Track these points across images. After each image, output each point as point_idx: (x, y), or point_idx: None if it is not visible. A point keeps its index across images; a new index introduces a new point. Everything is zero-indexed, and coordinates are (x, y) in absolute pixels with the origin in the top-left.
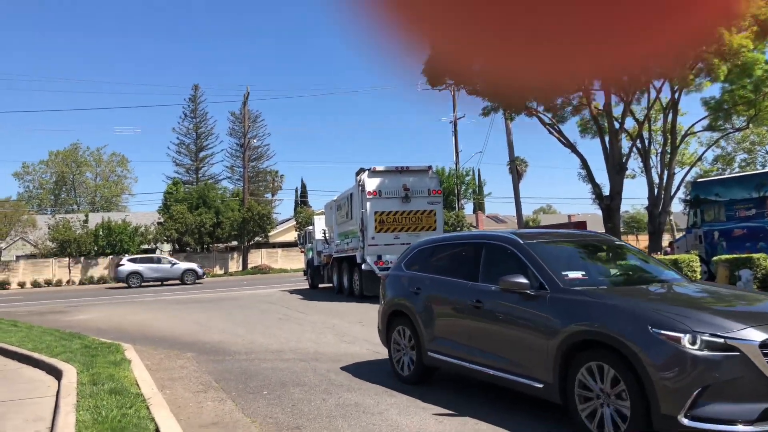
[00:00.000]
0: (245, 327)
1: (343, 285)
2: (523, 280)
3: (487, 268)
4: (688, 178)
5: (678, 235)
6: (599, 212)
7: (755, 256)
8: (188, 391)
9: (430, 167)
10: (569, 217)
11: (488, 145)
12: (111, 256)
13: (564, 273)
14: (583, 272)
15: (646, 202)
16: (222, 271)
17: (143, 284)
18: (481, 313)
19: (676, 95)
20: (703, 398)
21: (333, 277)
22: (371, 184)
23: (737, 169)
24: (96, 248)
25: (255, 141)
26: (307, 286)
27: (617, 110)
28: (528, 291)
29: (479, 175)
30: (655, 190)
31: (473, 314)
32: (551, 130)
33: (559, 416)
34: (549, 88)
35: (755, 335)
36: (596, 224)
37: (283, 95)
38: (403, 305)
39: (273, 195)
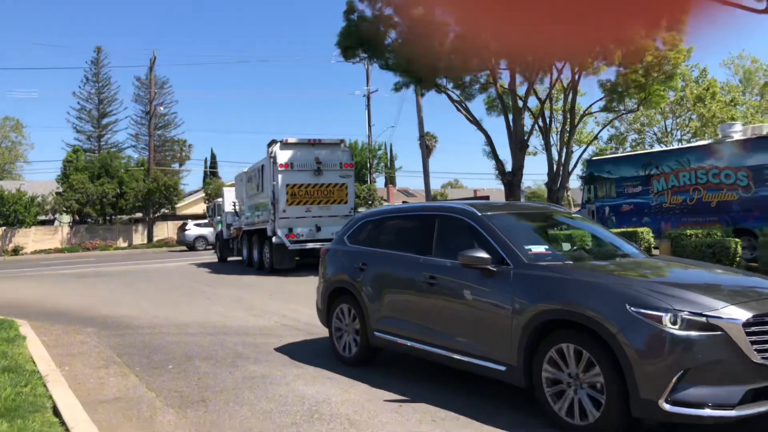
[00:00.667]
0: (150, 301)
1: (253, 258)
2: (484, 254)
3: (441, 242)
4: (585, 156)
5: (575, 210)
6: (502, 187)
7: (640, 230)
8: (89, 367)
9: (342, 141)
10: (475, 191)
11: (400, 120)
12: (3, 227)
13: (527, 247)
14: (546, 246)
15: (546, 178)
16: (126, 244)
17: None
18: (435, 291)
19: (576, 77)
20: (684, 381)
21: (243, 251)
22: (283, 156)
23: (628, 149)
24: None
25: (162, 108)
26: (216, 260)
27: (521, 90)
28: (489, 267)
29: (391, 149)
30: (554, 167)
31: (426, 291)
32: (459, 107)
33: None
34: (458, 66)
35: (739, 313)
36: (500, 198)
37: (193, 62)
38: (346, 282)
39: (181, 165)
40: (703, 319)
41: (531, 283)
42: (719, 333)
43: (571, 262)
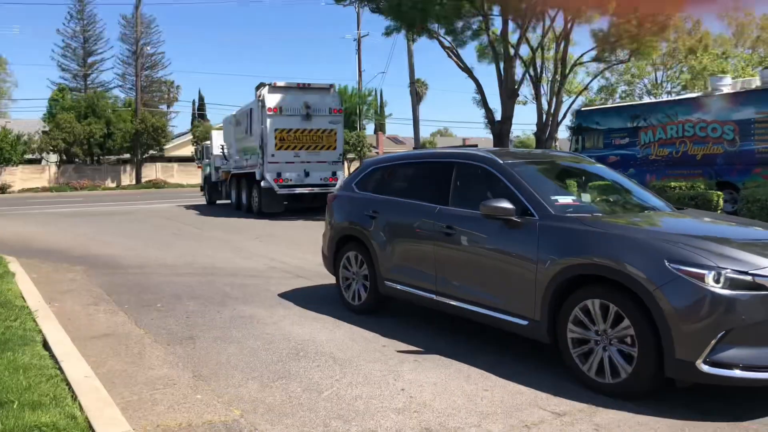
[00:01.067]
0: (139, 241)
1: (242, 202)
2: (507, 205)
3: (459, 191)
4: (575, 106)
5: None
6: (492, 137)
7: None
8: (78, 304)
9: (332, 86)
10: (464, 140)
11: (391, 66)
12: None
13: (553, 198)
14: (574, 197)
15: (534, 128)
16: (114, 185)
17: None
18: (452, 241)
19: (569, 25)
20: (725, 342)
21: (231, 194)
22: (272, 100)
23: (618, 100)
24: None
25: (149, 48)
26: (204, 202)
27: (514, 37)
28: (513, 217)
29: (381, 96)
30: (544, 117)
31: (442, 241)
32: (450, 53)
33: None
34: (450, 11)
35: None
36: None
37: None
38: (356, 230)
39: (168, 107)
40: (749, 278)
41: (559, 236)
42: (765, 292)
43: (600, 214)
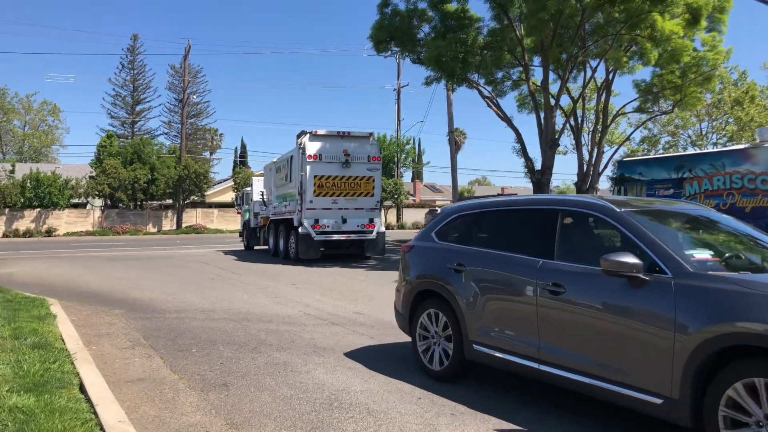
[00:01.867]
0: (177, 286)
1: (279, 248)
2: (634, 260)
3: (566, 243)
4: (616, 157)
5: None
6: (530, 185)
7: None
8: (115, 348)
9: (371, 134)
10: (502, 189)
11: (429, 115)
12: (38, 209)
13: (688, 252)
14: (711, 252)
15: (575, 178)
16: (155, 230)
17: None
18: (561, 300)
19: (611, 76)
20: None
21: (269, 240)
22: (312, 147)
23: (661, 151)
24: (23, 200)
25: (195, 97)
26: (243, 248)
27: (554, 87)
28: (640, 275)
29: (419, 144)
30: (585, 167)
31: (548, 301)
32: (490, 103)
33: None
34: (490, 61)
35: None
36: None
37: (226, 51)
38: (437, 285)
39: (211, 154)
40: None
41: (704, 298)
42: None
43: (750, 273)
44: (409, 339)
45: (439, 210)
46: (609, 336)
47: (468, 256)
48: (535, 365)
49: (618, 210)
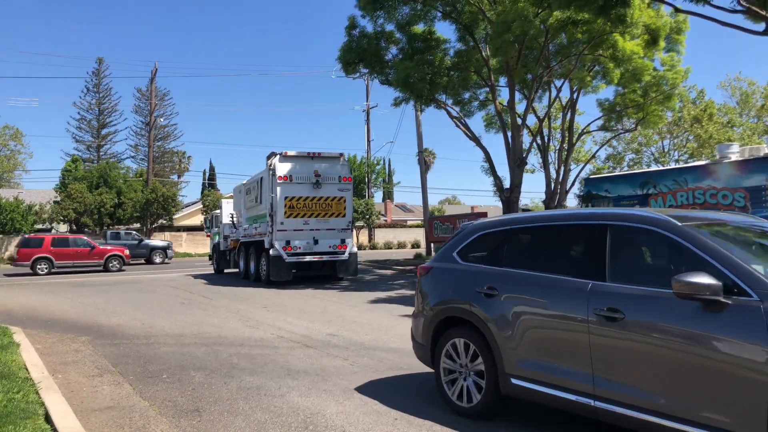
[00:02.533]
0: (145, 311)
1: (250, 270)
2: (712, 281)
3: (620, 263)
4: (582, 174)
5: None
6: (500, 204)
7: None
8: (82, 376)
9: (341, 154)
10: (472, 208)
11: (399, 135)
12: (0, 236)
13: None
14: None
15: (543, 196)
16: None
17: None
18: (619, 327)
19: (575, 95)
20: None
21: (239, 262)
22: (282, 168)
23: (626, 168)
24: None
25: (162, 120)
26: (212, 271)
27: (520, 107)
28: (719, 298)
29: (389, 165)
30: (552, 185)
31: (603, 328)
32: (458, 123)
33: None
34: (457, 82)
35: None
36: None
37: (193, 74)
38: (465, 311)
39: (179, 177)
40: None
41: None
42: None
43: None
44: (385, 357)
45: (459, 229)
46: (681, 368)
47: (501, 278)
48: (588, 401)
49: (680, 224)
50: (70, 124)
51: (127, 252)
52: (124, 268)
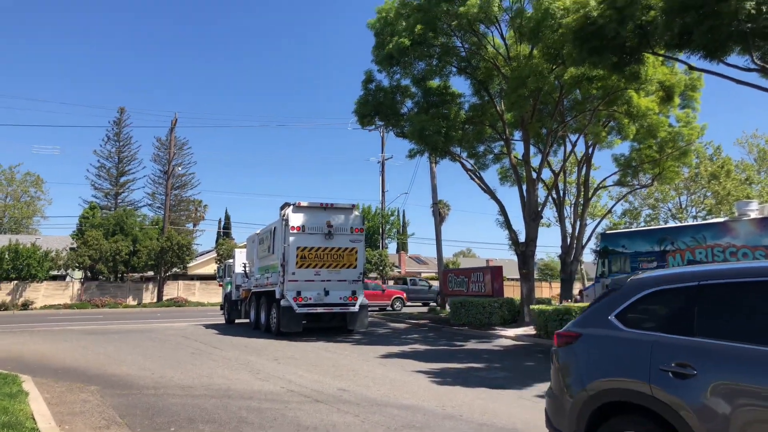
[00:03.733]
0: (155, 361)
1: (260, 321)
2: None
3: None
4: (599, 229)
5: (588, 284)
6: (515, 258)
7: None
8: (89, 427)
9: (354, 205)
10: (487, 261)
11: (413, 186)
12: (16, 281)
13: None
14: None
15: (559, 251)
16: (136, 302)
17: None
18: None
19: (590, 150)
20: None
21: (250, 312)
22: (295, 219)
23: (642, 224)
24: (0, 272)
25: (180, 168)
26: (224, 321)
27: (535, 161)
28: None
29: (404, 216)
30: (568, 239)
31: None
32: (473, 176)
33: None
34: (472, 136)
35: None
36: (512, 269)
37: (213, 124)
38: (641, 394)
39: (195, 225)
40: None
41: None
42: None
43: None
44: (397, 415)
45: (613, 284)
46: None
47: (698, 352)
48: None
49: None
50: (89, 172)
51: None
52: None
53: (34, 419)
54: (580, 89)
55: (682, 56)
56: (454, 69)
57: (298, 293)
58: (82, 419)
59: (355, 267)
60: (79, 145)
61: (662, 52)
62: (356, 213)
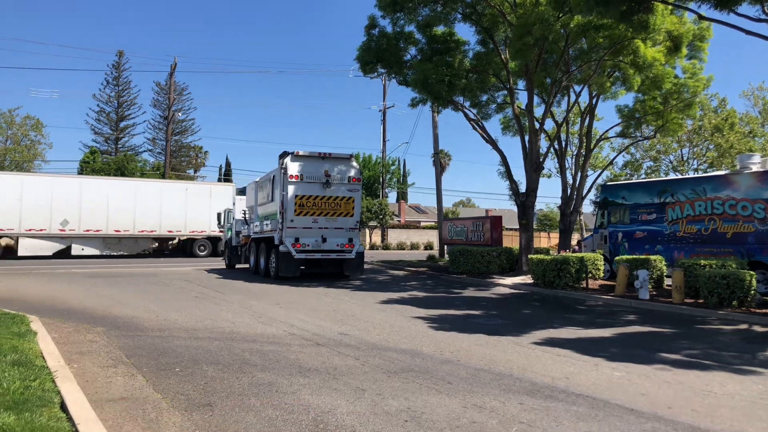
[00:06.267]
0: (159, 304)
1: (260, 266)
2: None
3: None
4: (599, 181)
5: (587, 235)
6: (515, 208)
7: (652, 257)
8: (97, 366)
9: (351, 155)
10: (486, 211)
11: (415, 136)
12: None
13: None
14: None
15: (559, 201)
16: None
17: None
18: None
19: (594, 101)
20: None
21: (250, 258)
22: (294, 167)
23: (643, 176)
24: None
25: (180, 114)
26: (224, 266)
27: (538, 111)
28: None
29: (404, 165)
30: (568, 191)
31: None
32: (475, 125)
33: None
34: (476, 84)
35: None
36: (512, 219)
37: (212, 69)
38: None
39: (196, 171)
40: None
41: None
42: None
43: None
44: (396, 358)
45: None
46: None
47: None
48: None
49: None
50: (89, 116)
51: None
52: None
53: (43, 357)
54: (586, 38)
55: (692, 5)
56: (459, 15)
57: (297, 239)
58: (89, 358)
59: (352, 215)
60: (78, 89)
61: (672, 0)
62: (354, 163)
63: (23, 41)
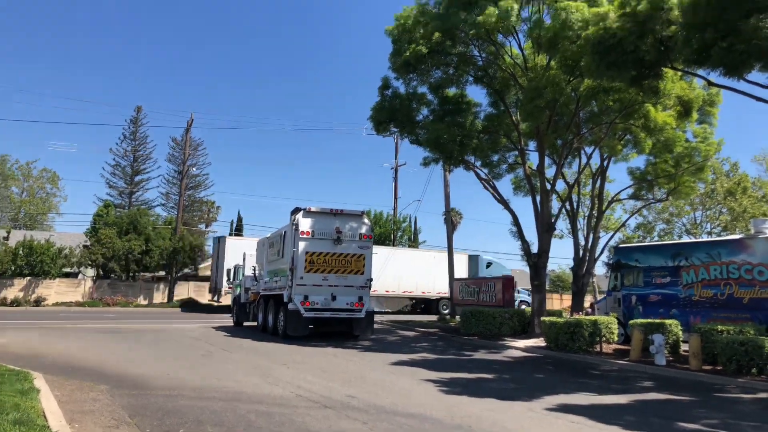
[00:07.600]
0: (166, 361)
1: (268, 323)
2: None
3: None
4: (612, 242)
5: (599, 297)
6: (527, 269)
7: (667, 322)
8: (99, 426)
9: (363, 212)
10: None
11: (426, 194)
12: (29, 278)
13: None
14: None
15: (571, 263)
16: (146, 302)
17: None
18: None
19: (605, 163)
20: None
21: (258, 315)
22: (305, 224)
23: (656, 238)
24: (13, 267)
25: (194, 169)
26: (232, 323)
27: (550, 172)
28: None
29: (415, 223)
30: (581, 252)
31: None
32: (486, 185)
33: None
34: (487, 145)
35: None
36: (524, 280)
37: (228, 126)
38: None
39: (207, 226)
40: None
41: None
42: None
43: None
44: (405, 423)
45: None
46: None
47: None
48: None
49: None
50: (104, 170)
51: None
52: None
53: (44, 417)
54: (596, 101)
55: (701, 72)
56: (471, 78)
57: (306, 297)
58: (91, 418)
59: (362, 273)
60: (95, 143)
61: (681, 67)
62: (365, 220)
63: (42, 95)
